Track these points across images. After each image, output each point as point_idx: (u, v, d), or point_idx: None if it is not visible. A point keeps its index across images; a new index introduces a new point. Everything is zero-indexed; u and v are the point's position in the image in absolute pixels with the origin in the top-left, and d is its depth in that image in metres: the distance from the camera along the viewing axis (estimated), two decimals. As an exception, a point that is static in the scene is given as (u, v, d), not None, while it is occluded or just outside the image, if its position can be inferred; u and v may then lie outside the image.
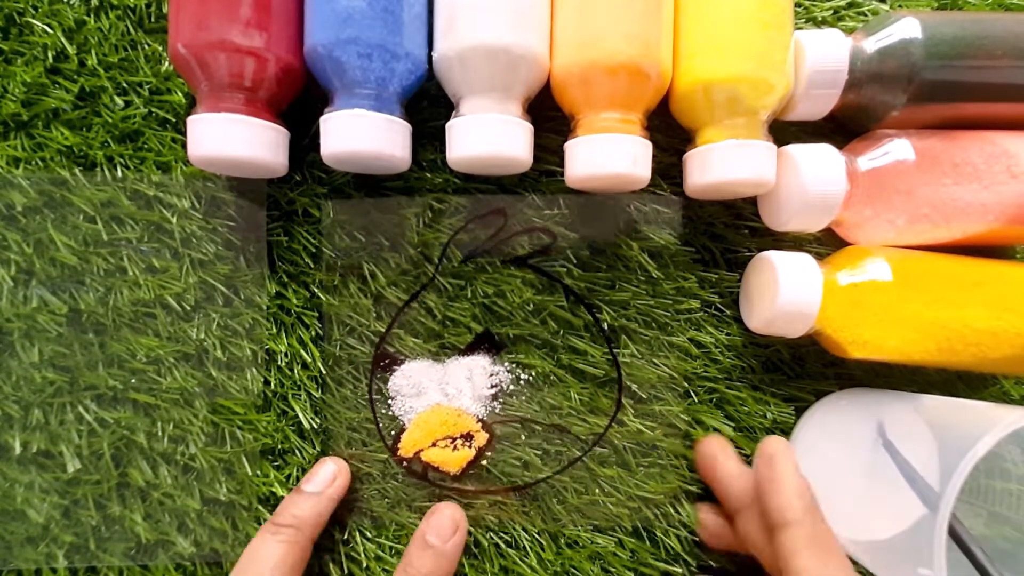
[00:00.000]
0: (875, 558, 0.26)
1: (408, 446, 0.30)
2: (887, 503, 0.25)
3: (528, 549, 0.30)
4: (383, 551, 0.30)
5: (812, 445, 0.30)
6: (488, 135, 0.26)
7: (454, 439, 0.30)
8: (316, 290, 0.30)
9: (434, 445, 0.30)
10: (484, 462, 0.30)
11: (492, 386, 0.31)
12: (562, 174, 0.29)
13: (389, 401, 0.30)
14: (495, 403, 0.31)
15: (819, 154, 0.28)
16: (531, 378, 0.31)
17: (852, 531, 0.27)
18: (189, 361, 0.30)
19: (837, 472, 0.28)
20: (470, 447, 0.30)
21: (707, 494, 0.31)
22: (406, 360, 0.31)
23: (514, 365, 0.31)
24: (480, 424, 0.30)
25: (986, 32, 0.27)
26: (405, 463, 0.30)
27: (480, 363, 0.31)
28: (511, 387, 0.31)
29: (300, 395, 0.30)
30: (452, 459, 0.30)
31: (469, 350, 0.31)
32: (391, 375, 0.30)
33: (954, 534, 0.22)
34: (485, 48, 0.26)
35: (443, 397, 0.30)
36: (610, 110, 0.27)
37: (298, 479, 0.30)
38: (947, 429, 0.24)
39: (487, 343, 0.31)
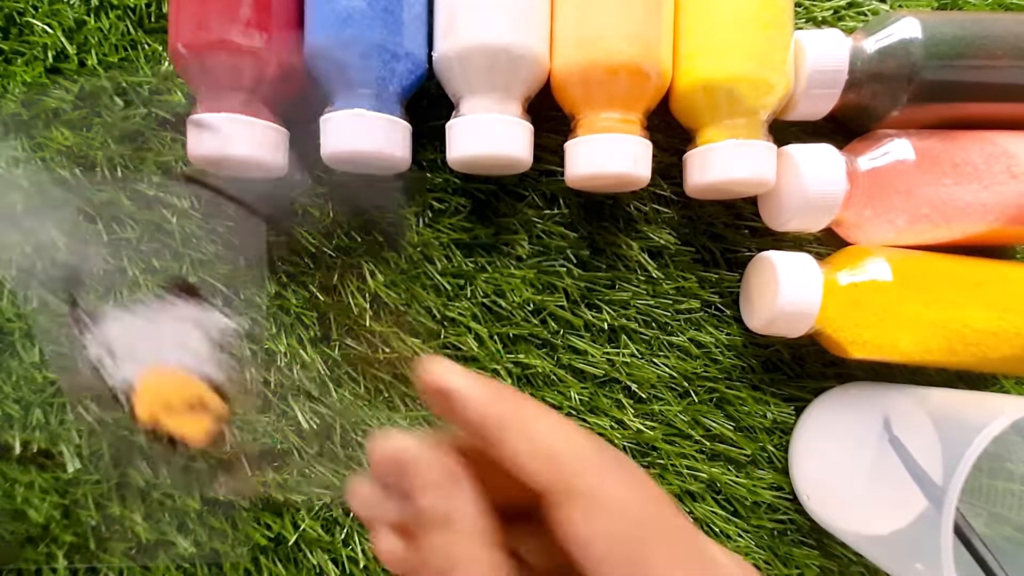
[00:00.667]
0: (877, 552, 0.26)
1: (143, 414, 0.26)
2: (889, 497, 0.25)
3: (528, 549, 0.30)
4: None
5: (815, 439, 0.30)
6: (488, 135, 0.26)
7: (191, 406, 0.26)
8: (315, 290, 0.30)
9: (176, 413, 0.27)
10: (230, 433, 0.27)
11: (213, 341, 0.27)
12: (562, 174, 0.29)
13: (106, 363, 0.27)
14: (228, 362, 0.27)
15: (819, 154, 0.28)
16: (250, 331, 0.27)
17: (854, 525, 0.27)
18: (189, 361, 0.30)
19: (840, 466, 0.28)
20: (207, 414, 0.27)
21: (716, 493, 0.31)
22: (104, 315, 0.27)
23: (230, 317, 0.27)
24: (215, 389, 0.27)
25: (986, 32, 0.27)
26: (151, 433, 0.27)
27: (192, 315, 0.27)
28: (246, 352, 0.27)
29: (299, 395, 0.30)
30: (192, 429, 0.26)
31: (172, 299, 0.27)
32: (94, 334, 0.27)
33: (957, 530, 0.22)
34: (485, 48, 0.26)
35: (160, 356, 0.27)
36: (610, 110, 0.27)
37: (297, 480, 0.30)
38: (950, 422, 0.24)
39: (184, 289, 0.27)
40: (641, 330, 0.31)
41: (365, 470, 0.26)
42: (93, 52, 0.30)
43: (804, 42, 0.28)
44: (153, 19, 0.30)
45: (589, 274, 0.30)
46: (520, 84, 0.27)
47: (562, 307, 0.30)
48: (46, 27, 0.30)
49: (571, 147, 0.27)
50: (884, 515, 0.25)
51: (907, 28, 0.27)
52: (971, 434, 0.21)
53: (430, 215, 0.30)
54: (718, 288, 0.31)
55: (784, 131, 0.31)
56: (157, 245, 0.30)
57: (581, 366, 0.30)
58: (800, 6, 0.32)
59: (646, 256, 0.31)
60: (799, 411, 0.31)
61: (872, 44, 0.28)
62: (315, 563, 0.29)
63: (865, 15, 0.32)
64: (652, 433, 0.30)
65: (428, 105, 0.30)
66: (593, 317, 0.30)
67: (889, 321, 0.26)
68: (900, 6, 0.32)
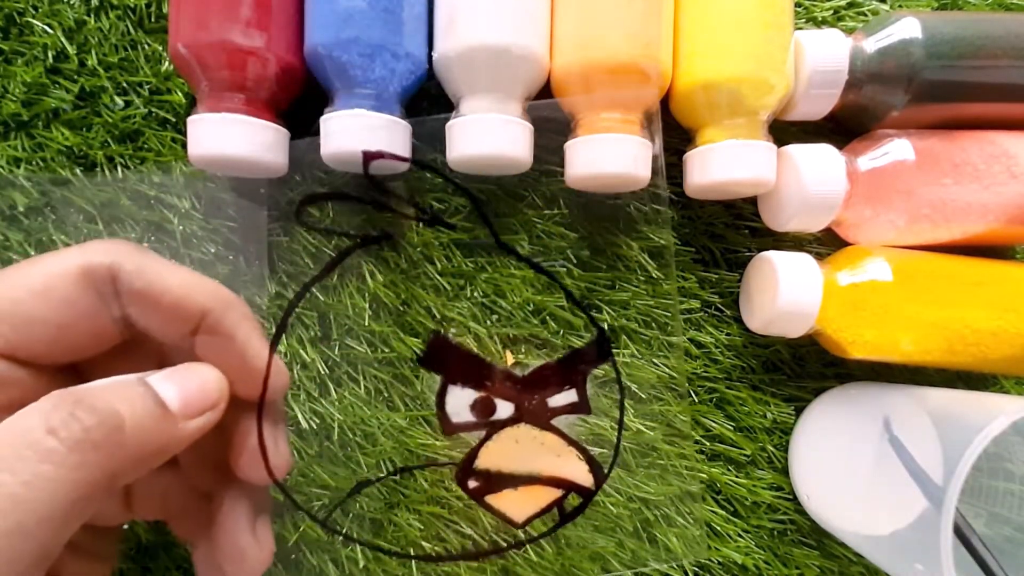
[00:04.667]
0: (877, 552, 0.26)
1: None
2: (889, 497, 0.25)
3: (528, 549, 0.30)
4: (381, 552, 0.30)
5: (815, 439, 0.30)
6: (488, 135, 0.26)
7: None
8: (316, 290, 0.30)
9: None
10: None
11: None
12: (562, 174, 0.29)
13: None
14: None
15: (819, 154, 0.28)
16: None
17: (854, 525, 0.27)
18: (189, 361, 0.30)
19: (840, 466, 0.28)
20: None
21: (716, 493, 0.31)
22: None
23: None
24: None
25: (986, 32, 0.27)
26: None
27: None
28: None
29: (299, 396, 0.30)
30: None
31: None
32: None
33: (957, 530, 0.22)
34: (485, 48, 0.26)
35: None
36: (610, 110, 0.27)
37: (297, 480, 0.30)
38: (950, 422, 0.24)
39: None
40: (641, 330, 0.31)
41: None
42: (93, 52, 0.30)
43: (804, 42, 0.28)
44: (153, 19, 0.30)
45: (589, 274, 0.30)
46: (520, 84, 0.27)
47: (562, 307, 0.30)
48: (46, 27, 0.30)
49: (571, 147, 0.27)
50: (884, 515, 0.25)
51: (907, 28, 0.27)
52: (971, 434, 0.21)
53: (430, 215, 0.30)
54: (718, 288, 0.31)
55: (784, 131, 0.31)
56: (157, 245, 0.30)
57: (581, 366, 0.30)
58: (800, 6, 0.32)
59: (646, 256, 0.31)
60: (799, 411, 0.31)
61: (872, 44, 0.28)
62: (315, 563, 0.29)
63: (865, 15, 0.32)
64: (652, 434, 0.30)
65: (428, 105, 0.30)
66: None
67: (889, 321, 0.26)
68: (900, 6, 0.32)
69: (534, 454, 0.23)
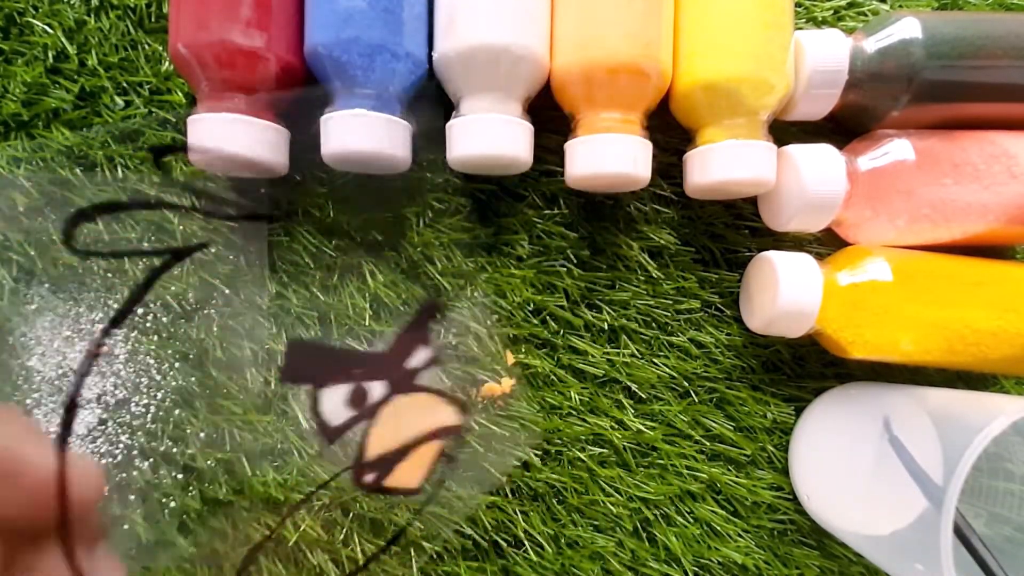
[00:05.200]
0: (877, 553, 0.26)
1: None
2: (889, 497, 0.25)
3: (528, 549, 0.30)
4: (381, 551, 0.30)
5: (815, 439, 0.30)
6: (488, 135, 0.26)
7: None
8: (316, 290, 0.30)
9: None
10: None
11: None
12: (562, 174, 0.29)
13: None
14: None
15: (819, 154, 0.28)
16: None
17: (854, 525, 0.27)
18: (189, 361, 0.30)
19: (841, 466, 0.28)
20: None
21: (716, 493, 0.31)
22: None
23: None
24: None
25: (986, 32, 0.27)
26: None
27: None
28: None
29: (300, 395, 0.30)
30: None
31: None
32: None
33: (957, 530, 0.22)
34: (485, 48, 0.26)
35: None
36: (610, 110, 0.27)
37: (298, 480, 0.30)
38: (950, 422, 0.24)
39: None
40: (641, 330, 0.31)
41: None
42: (93, 52, 0.30)
43: (804, 42, 0.28)
44: (153, 19, 0.30)
45: (589, 274, 0.30)
46: (520, 84, 0.27)
47: (562, 307, 0.30)
48: (46, 27, 0.30)
49: (571, 147, 0.27)
50: (884, 515, 0.25)
51: (907, 28, 0.27)
52: (971, 434, 0.21)
53: (430, 215, 0.30)
54: (718, 288, 0.31)
55: (784, 131, 0.31)
56: (157, 245, 0.30)
57: (581, 366, 0.30)
58: (800, 6, 0.32)
59: (646, 256, 0.31)
60: (799, 411, 0.31)
61: (872, 44, 0.28)
62: (315, 563, 0.29)
63: (865, 15, 0.32)
64: (652, 433, 0.30)
65: (428, 105, 0.30)
66: (593, 317, 0.30)
67: (889, 321, 0.26)
68: (900, 6, 0.32)
69: (412, 419, 0.24)
